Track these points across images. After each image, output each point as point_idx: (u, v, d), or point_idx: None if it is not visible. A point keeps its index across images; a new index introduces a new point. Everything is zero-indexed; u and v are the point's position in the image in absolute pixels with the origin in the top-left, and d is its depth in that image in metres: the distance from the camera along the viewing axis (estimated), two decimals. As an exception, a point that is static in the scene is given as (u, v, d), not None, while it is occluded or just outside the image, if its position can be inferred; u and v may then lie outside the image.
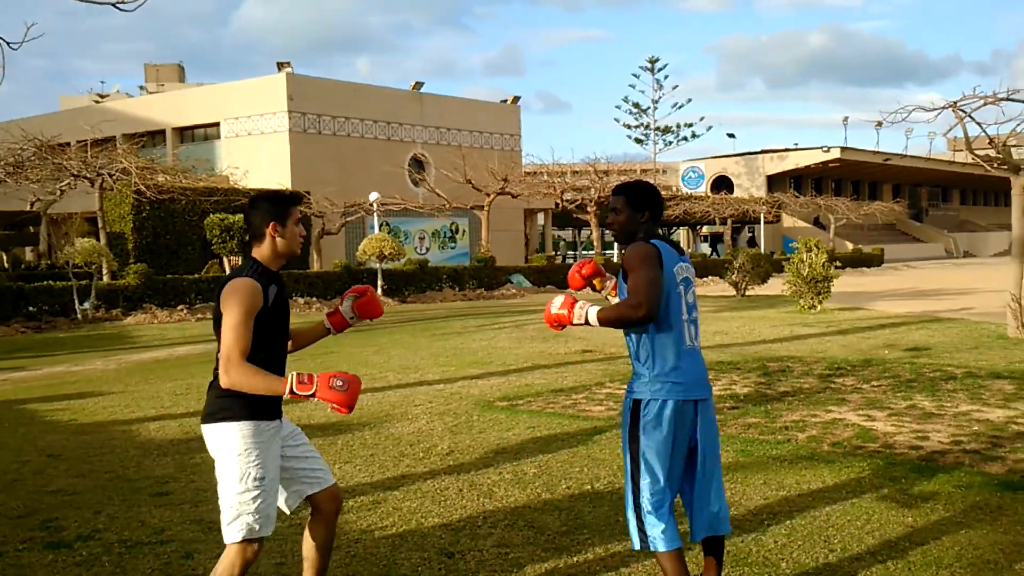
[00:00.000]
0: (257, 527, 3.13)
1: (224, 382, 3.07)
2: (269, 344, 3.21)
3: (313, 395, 2.98)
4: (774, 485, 5.22)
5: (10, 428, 7.71)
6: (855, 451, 5.96)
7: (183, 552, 4.35)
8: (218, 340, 3.12)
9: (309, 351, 3.61)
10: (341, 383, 2.96)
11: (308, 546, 3.43)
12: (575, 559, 4.15)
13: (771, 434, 6.53)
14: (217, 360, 3.13)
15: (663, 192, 50.49)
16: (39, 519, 4.94)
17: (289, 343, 3.48)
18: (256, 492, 3.12)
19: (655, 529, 3.33)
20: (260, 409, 3.16)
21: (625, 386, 9.17)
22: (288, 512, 3.45)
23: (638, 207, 3.51)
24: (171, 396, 9.13)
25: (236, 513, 3.13)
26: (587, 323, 3.41)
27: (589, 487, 5.33)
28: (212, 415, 3.17)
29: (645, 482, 3.36)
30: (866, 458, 5.76)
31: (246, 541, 3.14)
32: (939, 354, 10.66)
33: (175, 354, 13.38)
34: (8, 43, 8.40)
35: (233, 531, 3.13)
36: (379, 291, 25.23)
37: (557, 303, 3.51)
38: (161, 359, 12.77)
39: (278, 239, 3.26)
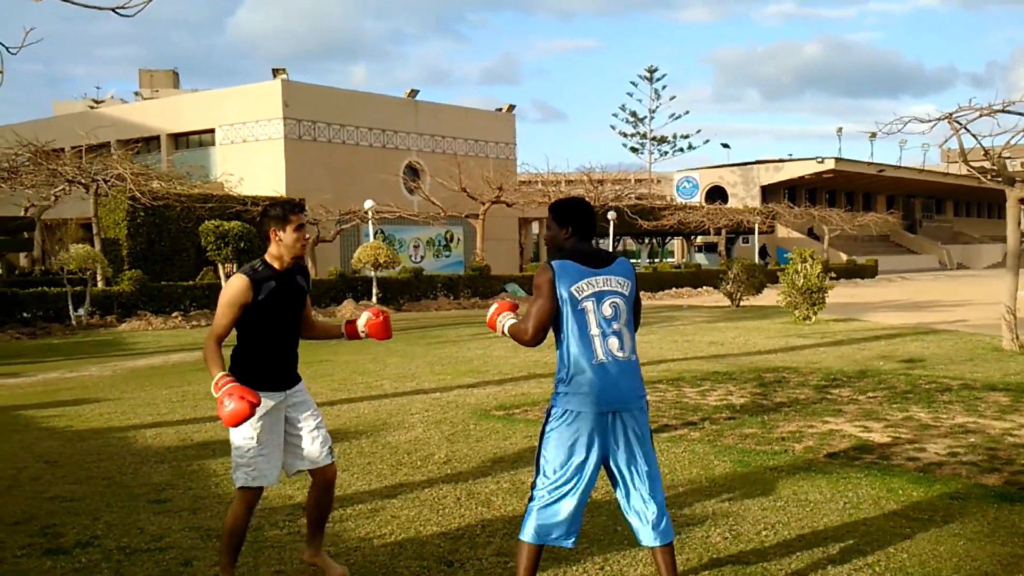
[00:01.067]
0: (250, 479, 3.80)
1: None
2: (264, 330, 3.82)
3: (218, 400, 3.58)
4: (771, 496, 5.23)
5: (5, 434, 7.68)
6: (852, 462, 5.98)
7: (182, 559, 4.34)
8: None
9: (308, 356, 4.06)
10: (228, 402, 3.53)
11: (308, 504, 4.05)
12: (574, 568, 4.16)
13: (768, 444, 6.55)
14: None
15: (658, 201, 50.81)
16: (37, 525, 4.93)
17: (311, 330, 4.08)
18: (247, 450, 3.77)
19: (528, 521, 3.54)
20: (260, 383, 3.76)
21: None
22: (288, 476, 4.05)
23: (562, 223, 3.64)
24: (167, 403, 9.11)
25: (234, 465, 3.83)
26: (504, 334, 3.74)
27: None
28: None
29: (540, 481, 3.56)
30: (863, 469, 5.78)
31: (245, 488, 3.80)
32: (934, 366, 10.70)
33: (170, 361, 13.35)
34: (7, 48, 8.42)
35: (235, 479, 3.84)
36: (374, 299, 25.23)
37: (492, 309, 3.84)
38: (156, 366, 12.74)
39: (279, 242, 3.83)
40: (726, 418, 7.61)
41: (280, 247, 3.82)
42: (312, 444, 3.90)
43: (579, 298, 3.49)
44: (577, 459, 3.50)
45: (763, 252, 51.28)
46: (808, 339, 14.26)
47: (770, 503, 5.09)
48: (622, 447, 3.54)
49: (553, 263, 3.54)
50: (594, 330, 3.48)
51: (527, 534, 3.53)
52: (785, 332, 15.64)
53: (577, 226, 3.62)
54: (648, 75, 61.85)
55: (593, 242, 3.75)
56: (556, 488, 3.51)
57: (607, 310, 3.51)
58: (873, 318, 18.87)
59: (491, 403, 8.67)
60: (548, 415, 3.60)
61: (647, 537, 3.57)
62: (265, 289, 3.76)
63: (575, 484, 3.51)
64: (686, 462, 6.08)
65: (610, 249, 40.76)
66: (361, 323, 4.04)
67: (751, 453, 6.29)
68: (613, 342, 3.50)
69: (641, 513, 3.57)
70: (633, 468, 3.55)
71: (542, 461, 3.57)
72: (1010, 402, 8.06)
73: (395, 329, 4.19)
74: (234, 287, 3.73)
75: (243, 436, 3.76)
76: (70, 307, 19.68)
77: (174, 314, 21.04)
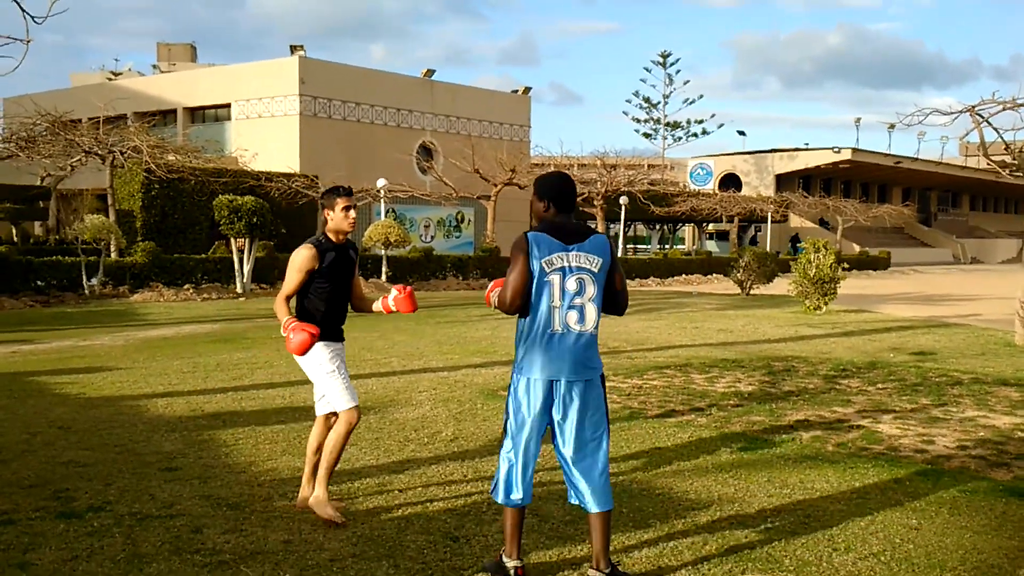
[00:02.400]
0: (344, 401, 4.47)
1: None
2: (326, 293, 4.53)
3: (286, 337, 4.33)
4: (778, 483, 5.25)
5: (20, 399, 7.76)
6: (860, 452, 5.98)
7: (192, 527, 4.39)
8: None
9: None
10: (293, 335, 4.29)
11: (312, 445, 4.69)
12: (579, 547, 4.18)
13: (775, 433, 6.55)
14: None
15: (671, 188, 50.56)
16: (51, 489, 4.99)
17: (359, 301, 4.78)
18: (333, 381, 4.48)
19: (500, 484, 3.78)
20: (327, 335, 4.50)
21: (627, 379, 9.18)
22: (318, 414, 4.66)
23: (541, 196, 3.81)
24: (178, 374, 9.18)
25: (322, 397, 4.59)
26: (493, 306, 3.90)
27: (594, 478, 5.34)
28: None
29: (506, 443, 3.80)
30: (871, 460, 5.78)
31: (345, 411, 4.46)
32: (945, 359, 10.66)
33: (182, 332, 13.43)
34: (33, 17, 8.42)
35: (332, 405, 4.52)
36: (383, 277, 25.27)
37: (490, 285, 4.01)
38: (168, 337, 12.82)
39: (331, 220, 4.56)
40: (734, 405, 7.61)
41: (332, 224, 4.54)
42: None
43: (547, 270, 3.67)
44: (529, 422, 3.73)
45: (795, 240, 50.60)
46: (818, 329, 14.22)
47: (776, 490, 5.10)
48: (568, 414, 3.72)
49: (529, 234, 3.71)
50: (555, 302, 3.68)
51: (498, 494, 3.79)
52: (795, 321, 15.60)
53: (555, 199, 3.77)
54: (662, 60, 61.43)
55: (573, 216, 3.84)
56: (515, 450, 3.76)
57: (571, 284, 3.68)
58: (885, 310, 18.79)
59: (498, 383, 8.69)
60: (510, 383, 3.84)
61: (588, 503, 3.73)
62: (328, 258, 4.50)
63: (526, 445, 3.75)
64: (693, 447, 6.09)
65: (621, 234, 40.63)
66: (389, 300, 4.63)
67: (758, 440, 6.30)
68: (572, 315, 3.69)
69: (581, 479, 3.73)
70: (577, 435, 3.72)
71: (508, 424, 3.80)
72: (1021, 397, 8.03)
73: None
74: (303, 255, 4.47)
75: (326, 371, 4.48)
76: (84, 276, 19.80)
77: (186, 286, 21.14)
